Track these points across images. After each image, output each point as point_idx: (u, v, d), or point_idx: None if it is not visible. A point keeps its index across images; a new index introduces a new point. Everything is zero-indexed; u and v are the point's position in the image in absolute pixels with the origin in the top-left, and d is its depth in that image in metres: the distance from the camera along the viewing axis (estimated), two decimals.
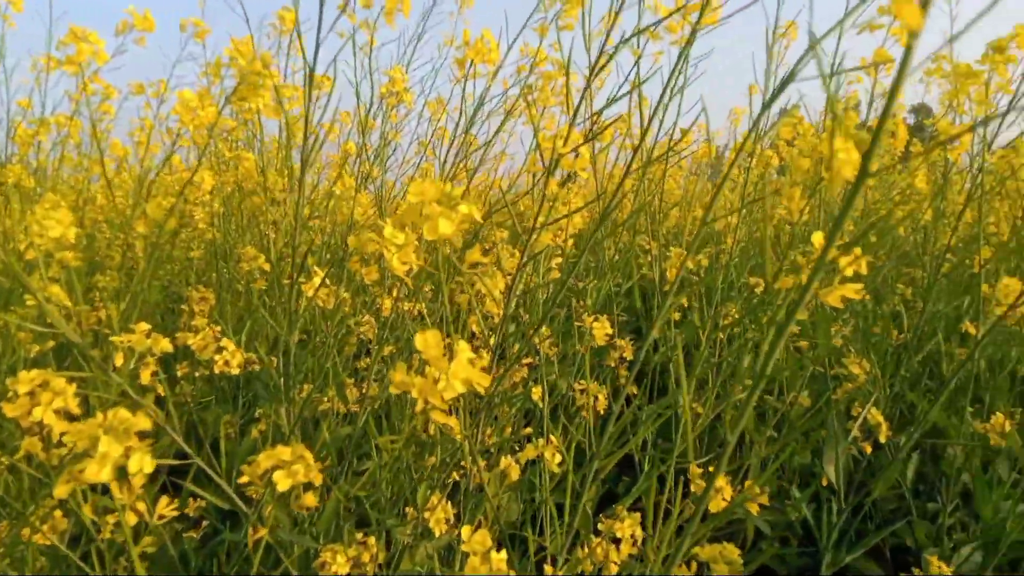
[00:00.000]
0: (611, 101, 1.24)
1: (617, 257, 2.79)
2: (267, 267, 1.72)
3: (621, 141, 2.51)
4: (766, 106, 0.69)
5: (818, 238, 0.80)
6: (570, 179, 0.96)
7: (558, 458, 1.07)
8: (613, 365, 1.67)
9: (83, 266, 2.09)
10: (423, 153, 2.43)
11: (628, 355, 1.68)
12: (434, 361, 0.59)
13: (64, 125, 1.95)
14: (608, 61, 0.96)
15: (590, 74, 0.96)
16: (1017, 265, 1.95)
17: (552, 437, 1.10)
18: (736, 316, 2.17)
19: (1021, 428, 1.96)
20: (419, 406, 0.58)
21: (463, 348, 0.60)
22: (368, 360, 1.72)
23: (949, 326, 2.26)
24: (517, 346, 1.44)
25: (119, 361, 0.89)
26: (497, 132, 1.70)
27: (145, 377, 0.90)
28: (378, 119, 1.97)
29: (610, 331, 1.29)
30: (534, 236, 1.02)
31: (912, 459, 1.84)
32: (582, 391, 1.51)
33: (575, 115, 0.96)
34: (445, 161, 1.64)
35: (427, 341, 0.59)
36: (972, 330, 1.38)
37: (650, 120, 1.06)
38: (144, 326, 0.93)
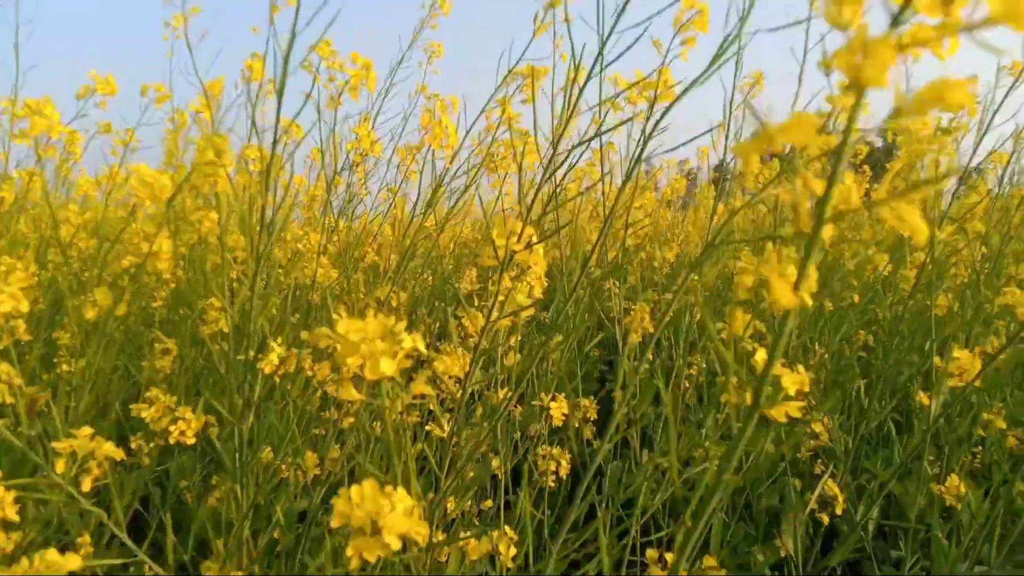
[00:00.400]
0: (570, 171, 1.24)
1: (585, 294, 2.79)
2: (227, 329, 1.70)
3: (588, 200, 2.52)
4: (707, 247, 0.69)
5: (761, 356, 0.81)
6: (523, 273, 0.96)
7: (513, 551, 1.07)
8: (577, 426, 1.67)
9: (45, 310, 2.06)
10: (391, 199, 2.42)
11: (592, 415, 1.68)
12: (371, 515, 0.58)
13: (28, 181, 1.92)
14: (564, 161, 0.97)
15: (544, 172, 0.97)
16: (972, 320, 1.99)
17: (507, 528, 1.09)
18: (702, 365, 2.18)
19: (982, 469, 1.99)
20: (354, 564, 0.57)
21: (401, 497, 0.60)
22: (333, 412, 1.71)
23: (912, 370, 2.29)
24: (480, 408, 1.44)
25: (60, 468, 0.87)
26: (458, 200, 1.70)
27: (86, 485, 0.89)
28: (345, 173, 1.96)
29: (567, 411, 1.29)
30: (489, 327, 1.02)
31: (873, 513, 1.85)
32: (544, 456, 1.51)
33: (529, 211, 0.96)
34: (404, 236, 1.63)
35: (364, 494, 0.59)
36: (926, 400, 1.40)
37: (611, 212, 1.06)
38: (87, 430, 0.91)
